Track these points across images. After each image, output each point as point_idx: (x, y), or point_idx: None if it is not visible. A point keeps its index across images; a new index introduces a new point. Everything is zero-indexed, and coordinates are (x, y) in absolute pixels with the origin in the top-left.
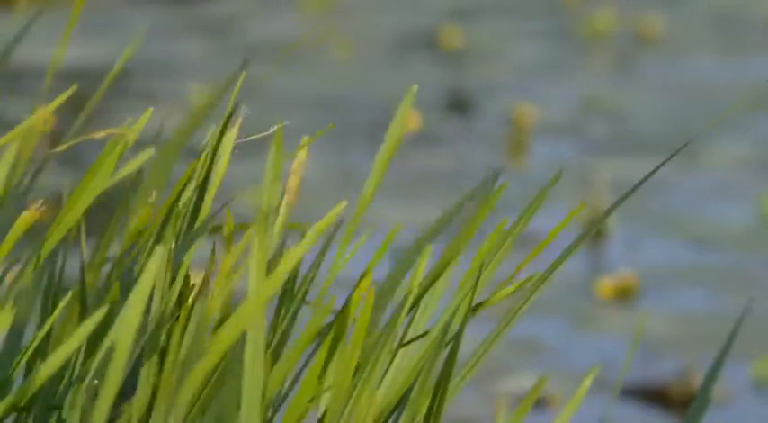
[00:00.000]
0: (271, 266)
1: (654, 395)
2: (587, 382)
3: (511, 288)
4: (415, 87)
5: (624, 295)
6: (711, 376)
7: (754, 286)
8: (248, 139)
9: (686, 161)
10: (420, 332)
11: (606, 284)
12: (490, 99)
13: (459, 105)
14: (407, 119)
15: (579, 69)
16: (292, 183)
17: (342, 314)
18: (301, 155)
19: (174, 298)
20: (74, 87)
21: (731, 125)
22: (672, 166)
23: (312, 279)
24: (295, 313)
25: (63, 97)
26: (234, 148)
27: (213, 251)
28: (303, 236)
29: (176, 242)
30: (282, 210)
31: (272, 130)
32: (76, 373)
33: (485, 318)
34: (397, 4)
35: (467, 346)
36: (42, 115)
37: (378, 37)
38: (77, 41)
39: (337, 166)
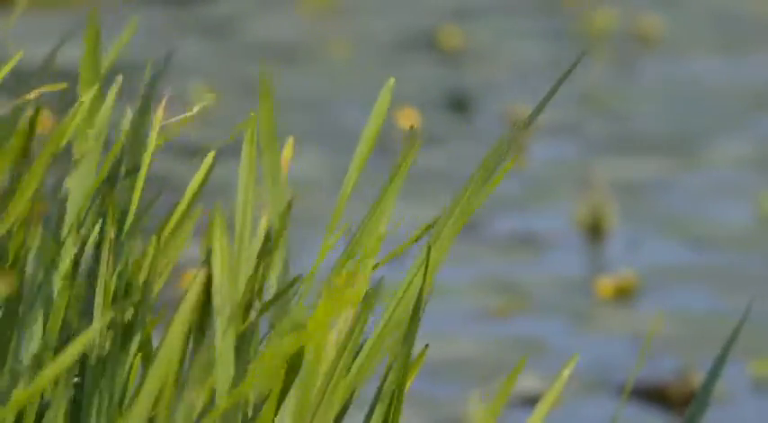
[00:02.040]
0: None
1: (653, 394)
2: (565, 373)
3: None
4: (392, 81)
5: (624, 295)
6: (713, 376)
7: (754, 286)
8: (171, 120)
9: (687, 161)
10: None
11: (606, 284)
12: (489, 99)
13: (458, 105)
14: (382, 117)
15: (579, 69)
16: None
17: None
18: (287, 152)
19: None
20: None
21: (731, 125)
22: (672, 166)
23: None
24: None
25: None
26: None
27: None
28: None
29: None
30: (266, 210)
31: (195, 110)
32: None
33: (485, 317)
34: (397, 4)
35: (467, 346)
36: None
37: (377, 37)
38: (77, 41)
39: (336, 167)
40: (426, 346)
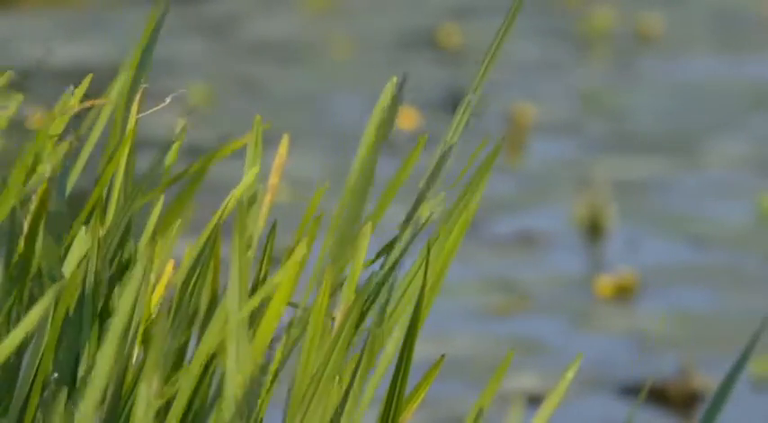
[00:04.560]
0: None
1: (652, 393)
2: (569, 375)
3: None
4: (395, 79)
5: (623, 294)
6: (731, 378)
7: (754, 285)
8: (151, 110)
9: (686, 160)
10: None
11: (605, 283)
12: (489, 98)
13: (458, 104)
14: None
15: (578, 68)
16: (273, 181)
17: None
18: (282, 152)
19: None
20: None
21: (731, 124)
22: (672, 165)
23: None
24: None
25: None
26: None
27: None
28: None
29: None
30: (264, 208)
31: (168, 99)
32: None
33: (484, 316)
34: (397, 3)
35: (466, 345)
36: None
37: (377, 36)
38: (77, 41)
39: (337, 166)
40: (442, 356)
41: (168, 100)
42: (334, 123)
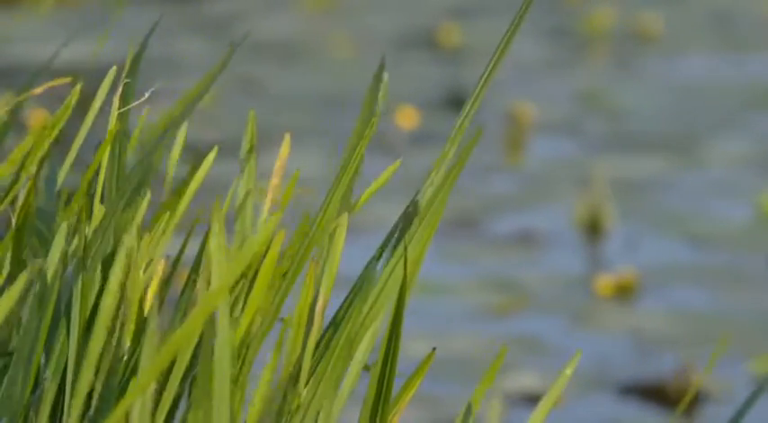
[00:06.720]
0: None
1: (652, 392)
2: (568, 372)
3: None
4: (387, 79)
5: (624, 293)
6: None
7: (753, 285)
8: (132, 105)
9: (686, 159)
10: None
11: (606, 282)
12: (489, 97)
13: (457, 103)
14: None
15: (578, 67)
16: (274, 181)
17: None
18: (284, 152)
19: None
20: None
21: (731, 123)
22: (671, 164)
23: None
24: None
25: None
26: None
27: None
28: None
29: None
30: (266, 206)
31: (147, 93)
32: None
33: (484, 315)
34: (397, 3)
35: (466, 344)
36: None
37: (377, 35)
38: (77, 40)
39: (337, 165)
40: (434, 349)
41: (147, 95)
42: (334, 123)
